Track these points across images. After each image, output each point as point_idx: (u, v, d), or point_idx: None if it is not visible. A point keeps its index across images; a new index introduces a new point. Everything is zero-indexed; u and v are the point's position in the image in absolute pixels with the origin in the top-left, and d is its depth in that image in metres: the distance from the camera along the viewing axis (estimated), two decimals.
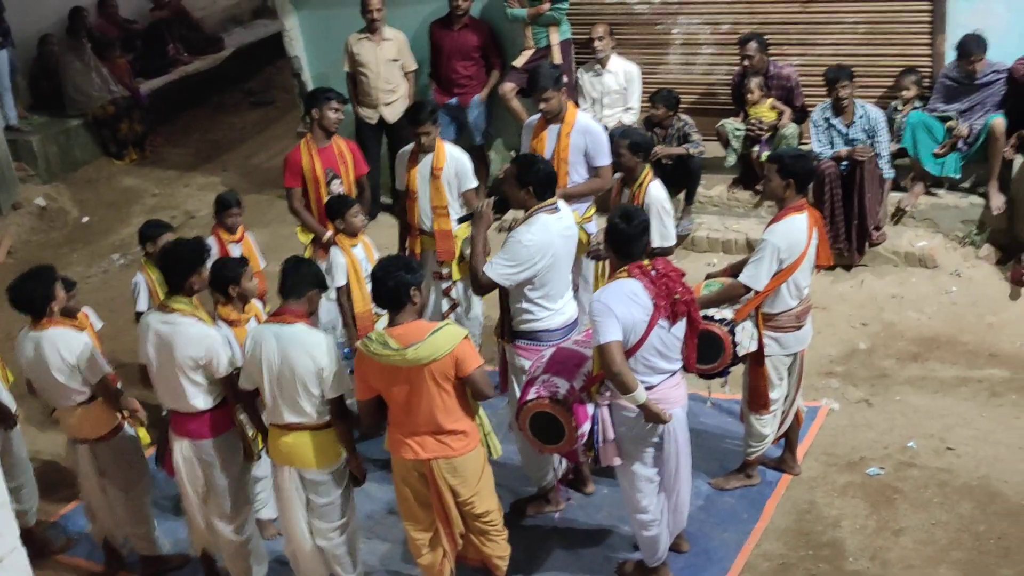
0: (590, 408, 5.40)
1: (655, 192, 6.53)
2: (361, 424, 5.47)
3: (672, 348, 5.26)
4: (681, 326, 5.25)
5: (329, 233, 7.15)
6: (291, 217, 7.80)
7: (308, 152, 7.40)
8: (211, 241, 6.96)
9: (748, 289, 5.76)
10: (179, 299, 5.47)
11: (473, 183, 7.19)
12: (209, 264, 5.71)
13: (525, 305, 5.81)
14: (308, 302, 5.36)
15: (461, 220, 6.67)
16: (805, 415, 6.60)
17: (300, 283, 5.33)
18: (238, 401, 5.54)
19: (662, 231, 6.42)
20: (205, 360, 5.38)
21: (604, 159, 6.93)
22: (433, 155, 7.12)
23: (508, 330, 5.96)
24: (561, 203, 5.90)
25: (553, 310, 5.84)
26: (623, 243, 5.21)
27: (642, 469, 5.41)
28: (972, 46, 8.17)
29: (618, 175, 6.81)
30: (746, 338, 5.77)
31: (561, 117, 7.01)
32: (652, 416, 5.16)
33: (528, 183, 5.70)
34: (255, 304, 6.25)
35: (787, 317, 5.89)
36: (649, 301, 5.09)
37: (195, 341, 5.38)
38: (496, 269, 5.66)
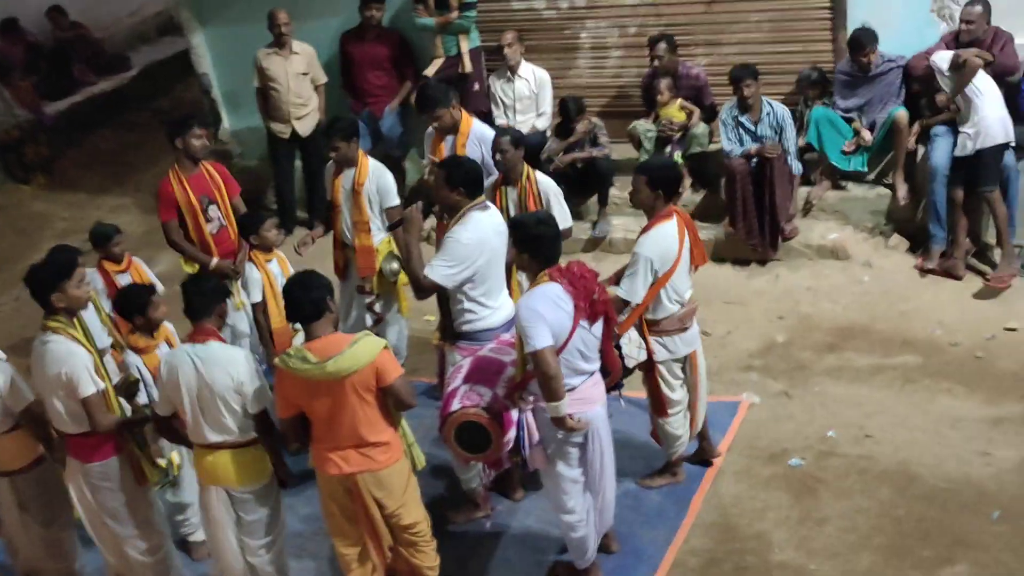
0: (514, 414, 5.42)
1: (545, 180, 6.73)
2: (288, 444, 5.42)
3: (592, 348, 5.30)
4: (599, 326, 5.30)
5: (215, 260, 7.13)
6: None
7: (178, 182, 7.31)
8: (95, 275, 6.85)
9: (627, 303, 5.80)
10: (55, 317, 5.35)
11: (395, 200, 7.19)
12: (75, 280, 5.48)
13: (467, 305, 5.86)
14: (217, 317, 5.33)
15: (390, 228, 6.68)
16: (727, 410, 6.73)
17: (204, 302, 5.27)
18: (107, 427, 5.37)
19: (562, 214, 6.55)
20: (65, 379, 5.25)
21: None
22: (356, 170, 7.12)
23: (450, 332, 6.00)
24: (488, 201, 5.98)
25: (493, 308, 5.90)
26: (543, 247, 5.24)
27: (567, 470, 5.43)
28: (863, 39, 8.39)
29: (493, 177, 6.85)
30: (633, 349, 5.83)
31: (456, 128, 7.06)
32: (568, 429, 5.19)
33: (458, 183, 5.78)
34: (166, 327, 6.17)
35: (670, 321, 5.94)
36: (570, 303, 5.12)
37: (58, 360, 5.26)
38: (437, 271, 5.70)
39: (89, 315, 5.85)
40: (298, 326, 6.74)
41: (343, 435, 5.06)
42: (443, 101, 7.11)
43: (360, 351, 4.96)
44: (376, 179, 7.13)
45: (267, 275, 6.82)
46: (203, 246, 7.38)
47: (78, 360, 5.27)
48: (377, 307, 7.31)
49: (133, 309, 5.84)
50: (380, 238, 7.22)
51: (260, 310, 6.84)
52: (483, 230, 5.78)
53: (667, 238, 5.82)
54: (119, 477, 5.51)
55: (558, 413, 5.12)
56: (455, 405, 5.40)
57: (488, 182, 6.78)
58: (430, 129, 7.42)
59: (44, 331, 5.35)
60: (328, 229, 7.43)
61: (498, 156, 6.69)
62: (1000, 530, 5.79)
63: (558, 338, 5.09)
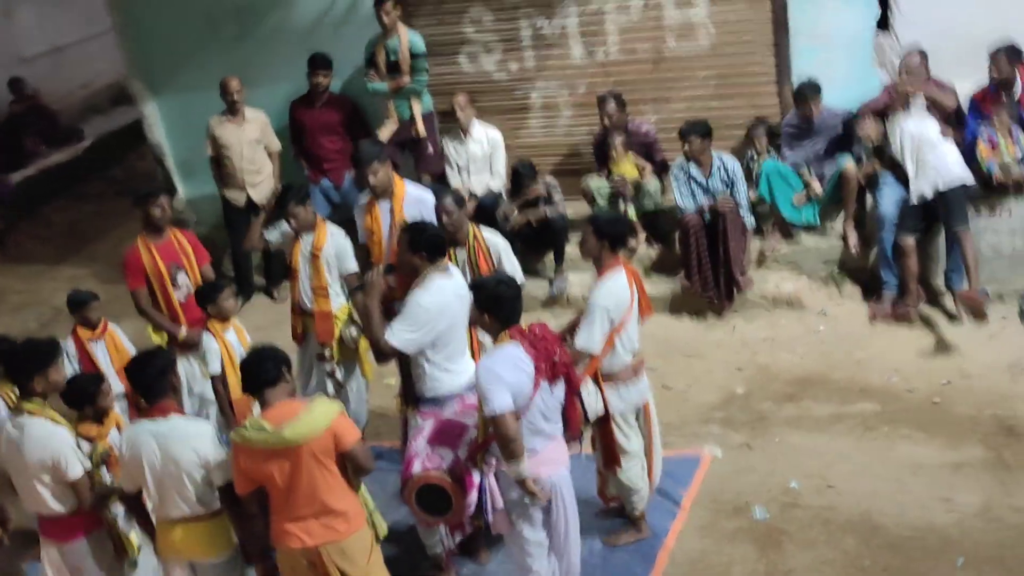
0: (476, 477, 5.41)
1: (492, 237, 6.78)
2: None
3: (553, 410, 5.30)
4: (560, 387, 5.30)
5: (183, 329, 7.11)
6: None
7: (147, 250, 7.32)
8: (69, 344, 6.82)
9: (585, 354, 5.83)
10: (31, 400, 5.34)
11: (353, 266, 7.21)
12: (58, 365, 5.53)
13: (428, 370, 5.86)
14: (173, 390, 5.29)
15: (352, 292, 6.68)
16: (690, 464, 6.77)
17: (154, 383, 5.22)
18: (97, 505, 5.38)
19: (513, 269, 6.63)
20: (51, 462, 5.23)
21: None
22: (314, 235, 7.12)
23: (411, 396, 5.99)
24: (451, 265, 6.00)
25: (455, 371, 5.91)
26: (504, 307, 5.25)
27: (531, 533, 5.40)
28: (806, 91, 8.58)
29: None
30: (593, 400, 5.85)
31: (390, 191, 7.11)
32: (528, 492, 5.18)
33: (420, 248, 5.83)
34: (116, 413, 6.11)
35: (625, 372, 5.99)
36: (531, 364, 5.13)
37: (41, 443, 5.25)
38: (398, 335, 5.70)
39: None
40: None
41: (303, 504, 5.00)
42: (378, 155, 7.19)
43: (316, 416, 4.94)
44: (334, 244, 7.15)
45: (225, 345, 6.78)
46: (171, 314, 7.37)
47: (63, 441, 5.27)
48: (338, 374, 7.29)
49: (83, 399, 5.80)
50: (339, 303, 7.22)
51: (219, 381, 6.79)
52: (444, 294, 5.81)
53: (620, 287, 5.88)
54: (99, 554, 5.46)
55: (519, 475, 5.10)
56: (416, 468, 5.38)
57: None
58: (361, 200, 7.44)
59: (19, 414, 5.32)
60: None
61: (444, 218, 6.68)
62: None
63: (520, 400, 5.08)
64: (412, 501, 5.40)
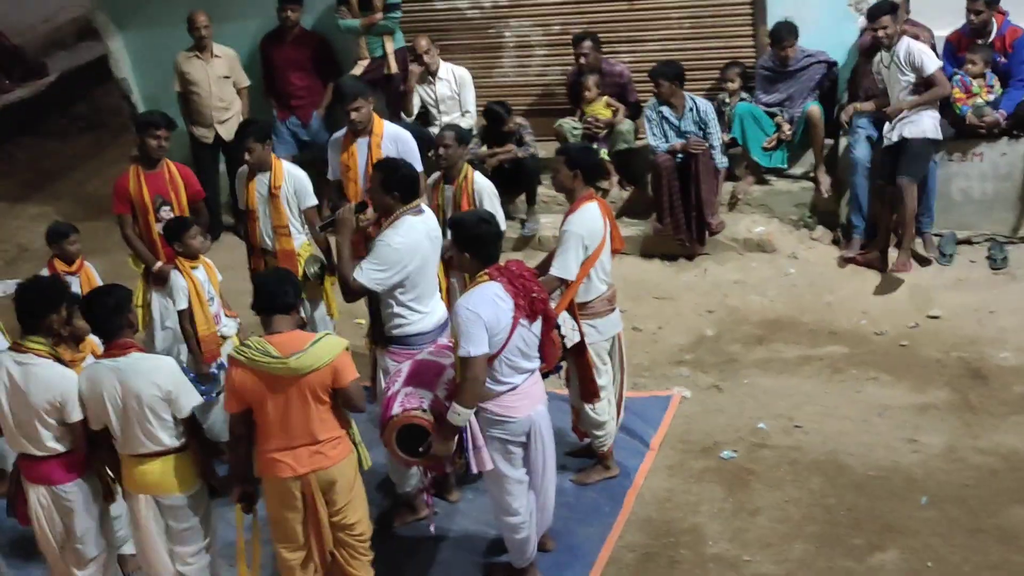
0: None
1: (481, 180, 6.74)
2: (232, 448, 5.34)
3: (532, 347, 5.30)
4: (538, 324, 5.30)
5: (159, 263, 7.03)
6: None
7: (136, 178, 7.21)
8: (45, 274, 6.73)
9: (562, 281, 5.84)
10: (35, 339, 5.26)
11: (313, 201, 7.14)
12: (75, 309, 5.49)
13: (397, 309, 5.83)
14: (130, 327, 5.25)
15: (323, 228, 6.62)
16: (659, 404, 6.84)
17: (110, 320, 5.16)
18: (91, 446, 5.34)
19: (495, 214, 6.52)
20: (60, 402, 5.17)
21: (416, 165, 6.98)
22: (271, 174, 7.04)
23: (380, 336, 5.97)
24: (424, 205, 5.95)
25: (424, 312, 5.88)
26: (484, 245, 5.23)
27: (511, 471, 5.41)
28: (783, 33, 8.54)
29: (435, 175, 6.86)
30: (568, 330, 5.83)
31: (369, 129, 7.04)
32: (444, 441, 5.20)
33: (393, 188, 5.76)
34: (91, 340, 6.04)
35: (600, 302, 6.04)
36: (510, 301, 5.12)
37: (49, 383, 5.18)
38: (367, 274, 5.67)
39: None
40: (225, 333, 6.75)
41: (295, 435, 5.01)
42: (362, 91, 7.09)
43: (322, 350, 4.95)
44: (292, 181, 7.09)
45: (193, 282, 6.71)
46: (150, 245, 7.28)
47: (71, 384, 5.20)
48: (302, 312, 7.21)
49: (56, 305, 5.65)
50: (300, 241, 7.17)
51: (186, 317, 6.72)
52: (416, 234, 5.76)
53: (593, 217, 5.90)
54: (89, 497, 5.42)
55: (458, 421, 5.12)
56: (396, 409, 5.37)
57: (431, 179, 6.85)
58: (336, 135, 7.33)
59: (20, 351, 5.24)
60: (246, 239, 7.35)
61: (441, 151, 6.68)
62: (928, 515, 5.89)
63: (499, 336, 5.08)
64: (392, 442, 5.38)
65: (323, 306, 7.35)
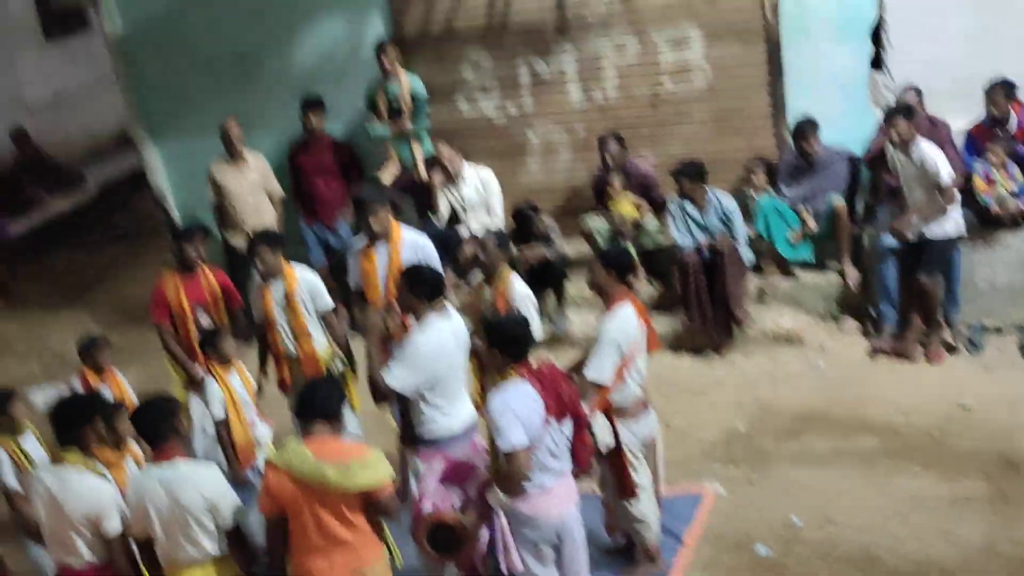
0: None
1: (519, 286, 6.80)
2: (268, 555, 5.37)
3: (562, 447, 5.33)
4: (568, 424, 5.34)
5: (199, 369, 7.14)
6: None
7: (174, 285, 7.39)
8: (76, 384, 6.87)
9: (596, 385, 5.87)
10: (71, 451, 5.34)
11: (329, 302, 7.30)
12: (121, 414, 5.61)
13: (426, 410, 5.88)
14: (177, 435, 5.30)
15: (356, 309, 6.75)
16: (693, 501, 6.83)
17: (157, 427, 5.23)
18: (128, 561, 5.36)
19: (530, 320, 6.59)
20: (96, 515, 5.23)
21: (438, 268, 7.14)
22: (284, 281, 7.19)
23: (410, 437, 6.02)
24: (449, 306, 6.06)
25: (453, 413, 5.93)
26: (515, 344, 5.29)
27: (543, 572, 5.41)
28: (805, 129, 8.66)
29: (479, 276, 6.97)
30: (604, 433, 5.87)
31: (388, 235, 7.19)
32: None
33: (418, 290, 5.88)
34: (132, 445, 6.14)
35: (635, 404, 6.03)
36: (540, 401, 5.17)
37: (86, 496, 5.24)
38: (396, 377, 5.75)
39: None
40: (260, 438, 6.82)
41: (330, 539, 4.98)
42: (380, 200, 7.27)
43: (366, 475, 4.90)
44: (306, 284, 7.24)
45: (228, 389, 6.81)
46: (190, 352, 7.43)
47: (108, 496, 5.27)
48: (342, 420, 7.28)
49: (99, 415, 5.75)
50: (321, 343, 7.30)
51: (222, 424, 6.81)
52: (442, 335, 5.85)
53: (629, 319, 5.93)
54: None
55: (494, 501, 5.19)
56: (427, 507, 5.40)
57: (474, 280, 6.93)
58: (357, 244, 7.49)
59: (58, 465, 5.32)
60: (260, 347, 7.46)
61: (481, 256, 6.87)
62: None
63: (530, 436, 5.12)
64: (423, 540, 5.41)
65: (350, 410, 7.41)
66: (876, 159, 8.54)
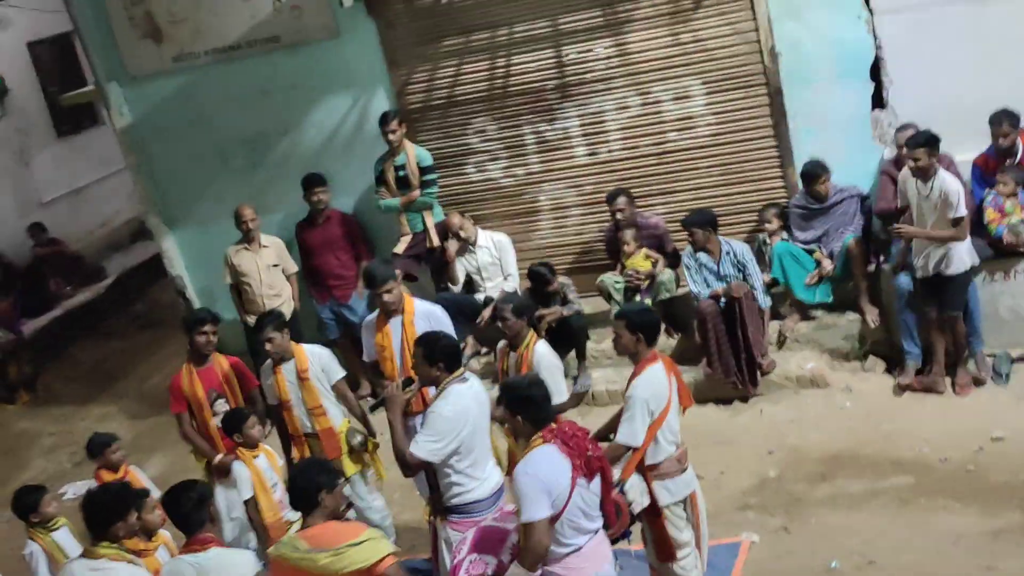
0: None
1: (542, 350, 6.78)
2: None
3: (592, 506, 5.29)
4: (597, 483, 5.31)
5: (219, 456, 7.17)
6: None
7: (189, 375, 7.47)
8: (92, 484, 6.91)
9: (628, 448, 5.84)
10: (106, 544, 5.35)
11: (341, 373, 7.35)
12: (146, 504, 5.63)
13: (454, 478, 5.88)
14: (210, 521, 5.31)
15: (373, 408, 6.74)
16: (729, 552, 6.73)
17: (190, 515, 5.26)
18: None
19: (556, 388, 6.55)
20: None
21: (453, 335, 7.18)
22: (294, 360, 7.23)
23: (440, 507, 6.02)
24: (469, 372, 6.06)
25: (481, 479, 5.93)
26: (537, 409, 5.28)
27: None
28: (815, 170, 8.68)
29: (502, 343, 6.98)
30: (637, 495, 5.83)
31: (400, 308, 7.21)
32: None
33: (437, 359, 5.91)
34: (162, 533, 6.15)
35: (670, 463, 5.97)
36: (567, 463, 5.14)
37: None
38: (423, 447, 5.75)
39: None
40: (291, 518, 6.81)
41: None
42: (391, 274, 7.29)
43: (360, 554, 4.86)
44: (318, 360, 7.30)
45: (255, 471, 6.83)
46: (209, 439, 7.49)
47: None
48: (347, 490, 7.23)
49: (127, 504, 5.79)
50: (337, 417, 7.32)
51: (252, 506, 6.82)
52: (464, 400, 5.86)
53: (657, 379, 5.89)
54: None
55: (547, 573, 5.11)
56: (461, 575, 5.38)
57: (499, 345, 7.04)
58: (368, 318, 7.54)
59: (93, 558, 5.33)
60: (279, 428, 7.48)
61: (500, 324, 6.88)
62: None
63: (559, 500, 5.09)
64: None
65: (371, 480, 7.40)
66: (886, 211, 8.54)
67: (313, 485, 5.02)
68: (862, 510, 7.19)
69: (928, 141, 7.80)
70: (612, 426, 6.10)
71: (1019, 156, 8.27)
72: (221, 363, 7.58)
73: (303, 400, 7.22)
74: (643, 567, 6.44)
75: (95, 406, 12.03)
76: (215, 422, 7.41)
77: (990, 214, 8.20)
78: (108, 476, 7.14)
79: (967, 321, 8.15)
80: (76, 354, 13.54)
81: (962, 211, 7.81)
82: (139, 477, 7.31)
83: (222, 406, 7.44)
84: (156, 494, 7.05)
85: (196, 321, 7.54)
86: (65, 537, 6.60)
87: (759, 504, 7.52)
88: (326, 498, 5.05)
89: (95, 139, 16.13)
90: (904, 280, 8.28)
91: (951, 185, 7.80)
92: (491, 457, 6.09)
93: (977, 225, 8.16)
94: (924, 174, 7.86)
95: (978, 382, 8.23)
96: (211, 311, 7.71)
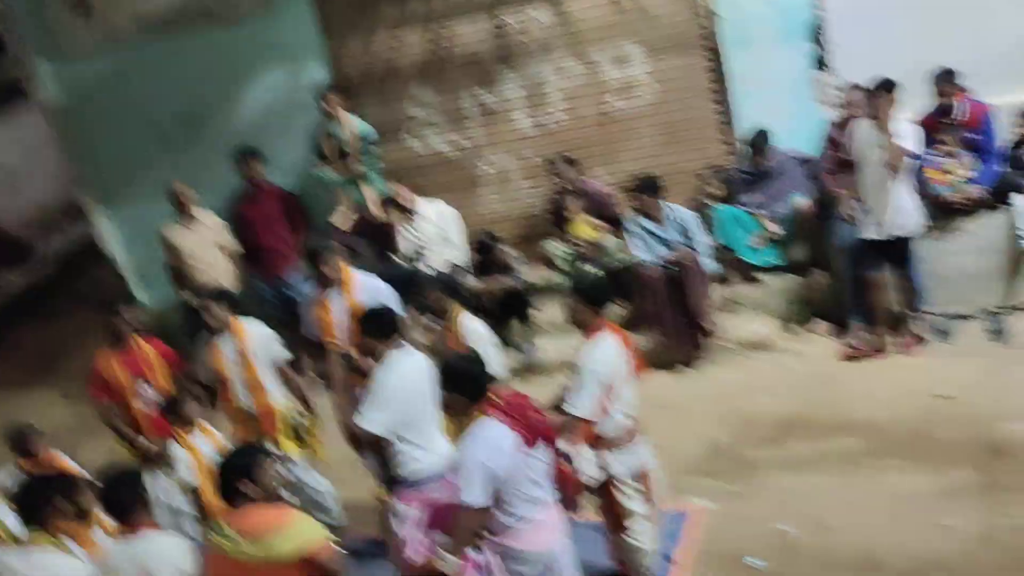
0: (478, 558, 5.30)
1: (469, 323, 6.74)
2: None
3: (541, 473, 5.22)
4: (543, 449, 5.24)
5: (143, 440, 7.07)
6: None
7: (109, 361, 7.32)
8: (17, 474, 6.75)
9: (578, 419, 5.78)
10: (37, 533, 5.24)
11: (284, 354, 7.25)
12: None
13: (403, 450, 5.84)
14: (144, 506, 5.19)
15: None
16: (681, 518, 6.78)
17: (128, 498, 5.15)
18: None
19: (489, 359, 6.47)
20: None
21: (395, 307, 7.06)
22: (235, 336, 7.13)
23: (389, 479, 5.97)
24: (408, 344, 6.06)
25: (430, 450, 5.89)
26: (472, 383, 5.19)
27: None
28: (756, 141, 8.65)
29: (427, 319, 6.92)
30: (588, 466, 5.78)
31: (342, 281, 7.15)
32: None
33: (374, 331, 5.94)
34: (100, 515, 6.00)
35: (621, 434, 5.94)
36: (509, 433, 5.06)
37: (52, 571, 5.15)
38: (369, 419, 5.73)
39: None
40: None
41: None
42: (331, 248, 7.26)
43: (289, 543, 4.69)
44: (258, 338, 7.19)
45: (193, 451, 6.67)
46: (135, 426, 7.34)
47: (75, 571, 5.19)
48: (292, 476, 7.10)
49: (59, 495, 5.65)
50: (277, 396, 7.21)
51: (188, 489, 6.66)
52: (404, 367, 5.86)
53: (609, 350, 5.84)
54: None
55: (446, 569, 5.01)
56: (411, 553, 5.30)
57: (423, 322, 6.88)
58: (310, 292, 7.45)
59: (28, 545, 5.25)
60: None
61: (430, 302, 6.79)
62: None
63: (505, 470, 5.02)
64: None
65: (310, 459, 7.30)
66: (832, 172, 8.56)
67: (236, 473, 4.81)
68: (814, 473, 7.20)
69: (887, 85, 7.89)
70: (562, 396, 6.04)
71: (960, 116, 8.29)
72: (143, 347, 7.42)
73: (242, 376, 7.10)
74: (596, 538, 6.42)
75: (40, 389, 11.74)
76: (141, 407, 7.25)
77: (932, 173, 8.23)
78: (26, 464, 6.96)
79: (910, 280, 8.18)
80: (16, 338, 13.23)
81: (910, 148, 7.84)
82: (64, 460, 7.13)
83: (148, 391, 7.30)
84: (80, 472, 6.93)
85: (106, 308, 7.37)
86: (10, 518, 6.45)
87: (710, 470, 7.51)
88: (250, 486, 4.80)
89: (26, 117, 15.71)
90: (851, 240, 8.28)
91: (903, 129, 7.89)
92: (438, 428, 6.02)
93: (922, 185, 8.17)
94: (882, 122, 7.87)
95: (921, 341, 8.28)
96: (129, 296, 7.56)
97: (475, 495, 4.96)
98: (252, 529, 4.73)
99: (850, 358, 8.37)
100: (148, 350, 7.47)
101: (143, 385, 7.34)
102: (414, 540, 5.43)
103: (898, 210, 7.96)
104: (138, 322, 7.59)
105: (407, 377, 5.81)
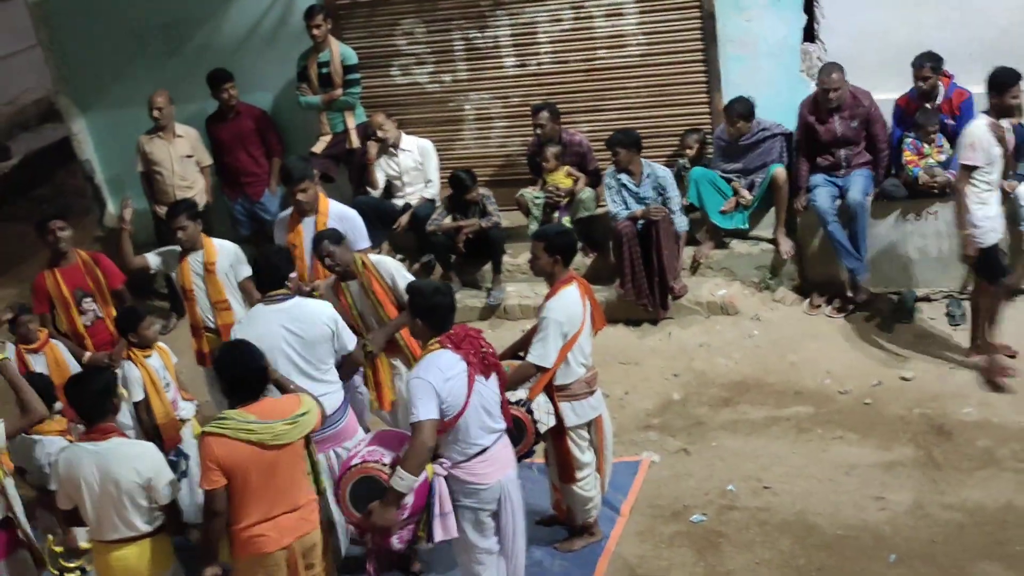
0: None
1: (381, 260, 6.77)
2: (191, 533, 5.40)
3: (494, 404, 5.32)
4: (494, 380, 5.33)
5: (87, 354, 7.18)
6: None
7: (51, 274, 7.30)
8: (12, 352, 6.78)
9: (538, 368, 5.86)
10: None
11: (248, 271, 7.19)
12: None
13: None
14: (113, 412, 5.23)
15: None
16: (628, 470, 6.87)
17: (97, 401, 5.16)
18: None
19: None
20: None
21: (364, 242, 7.19)
22: (203, 252, 7.13)
23: None
24: (282, 293, 6.13)
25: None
26: (438, 315, 5.27)
27: (481, 541, 5.40)
28: (733, 111, 8.65)
29: (330, 279, 6.83)
30: (543, 414, 5.86)
31: (315, 208, 7.14)
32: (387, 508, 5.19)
33: (258, 284, 6.25)
34: (61, 418, 6.05)
35: (578, 385, 6.00)
36: (462, 363, 5.15)
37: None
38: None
39: None
40: (184, 416, 6.71)
41: (277, 503, 5.01)
42: (308, 173, 7.23)
43: (310, 416, 5.10)
44: (226, 256, 7.20)
45: (147, 371, 6.64)
46: (77, 339, 7.36)
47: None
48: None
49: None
50: (239, 314, 7.19)
51: (143, 408, 6.65)
52: (259, 323, 6.00)
53: (572, 301, 5.89)
54: (23, 570, 5.40)
55: (401, 487, 5.09)
56: (355, 461, 5.38)
57: (327, 283, 6.81)
58: (282, 214, 7.50)
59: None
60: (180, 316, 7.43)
61: (327, 260, 6.62)
62: (897, 573, 5.92)
63: (457, 399, 5.11)
64: (346, 495, 5.35)
65: None
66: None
67: (261, 369, 5.15)
68: (761, 436, 7.34)
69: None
70: (523, 344, 6.10)
71: (939, 99, 8.35)
72: (85, 259, 7.41)
73: (207, 293, 7.12)
74: (544, 481, 6.51)
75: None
76: (83, 320, 7.29)
77: (908, 155, 8.30)
78: (24, 347, 7.02)
79: (857, 249, 8.36)
80: None
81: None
82: (60, 350, 7.16)
83: (89, 304, 7.31)
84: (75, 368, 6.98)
85: (41, 222, 7.36)
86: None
87: (661, 425, 7.62)
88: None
89: (5, 10, 15.44)
90: (825, 203, 8.35)
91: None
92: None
93: (897, 165, 8.25)
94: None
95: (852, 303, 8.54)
96: (61, 208, 7.51)
97: (426, 408, 5.04)
98: (277, 412, 5.01)
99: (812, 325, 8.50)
100: (91, 263, 7.44)
101: (86, 299, 7.32)
102: (360, 452, 5.47)
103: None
104: (75, 236, 7.53)
105: (259, 332, 5.91)
